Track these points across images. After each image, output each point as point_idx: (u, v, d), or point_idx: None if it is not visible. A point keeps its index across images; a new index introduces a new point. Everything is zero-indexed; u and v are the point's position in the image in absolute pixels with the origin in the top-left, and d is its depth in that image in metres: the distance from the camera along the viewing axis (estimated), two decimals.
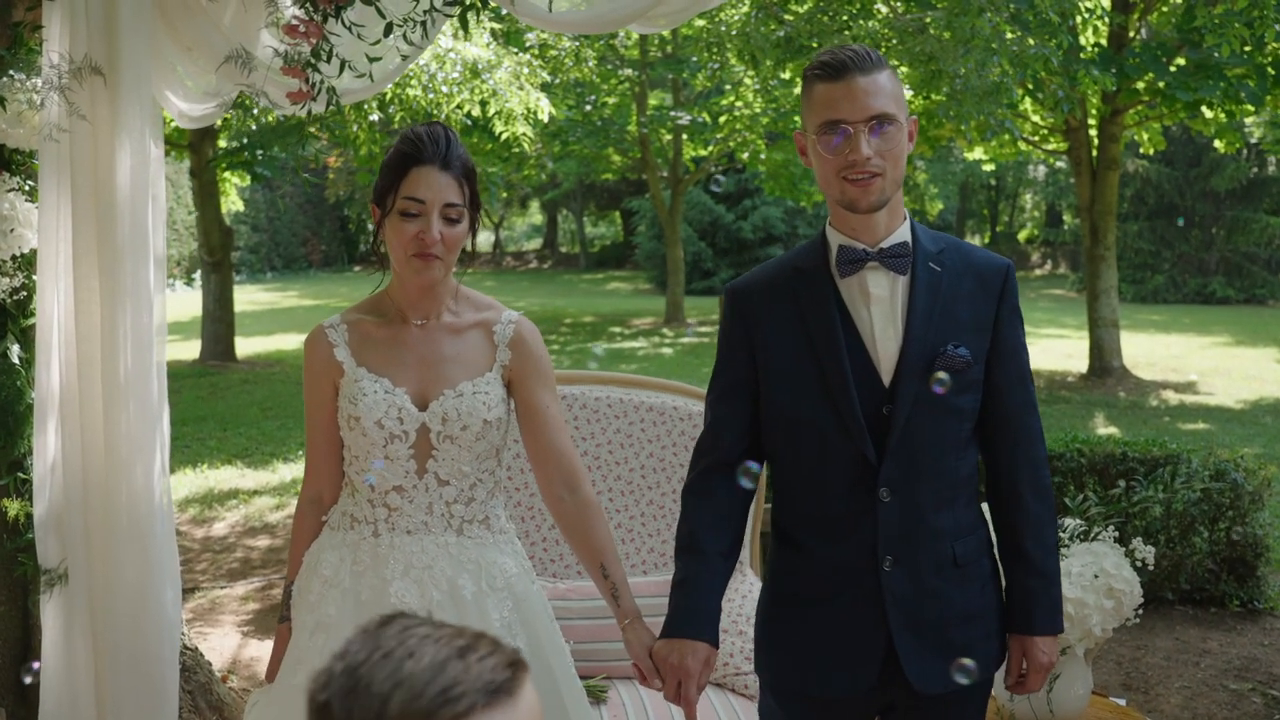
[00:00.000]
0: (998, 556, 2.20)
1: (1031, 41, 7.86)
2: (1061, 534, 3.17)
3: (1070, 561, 3.01)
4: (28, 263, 3.09)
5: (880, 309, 2.07)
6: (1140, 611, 3.08)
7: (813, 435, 2.09)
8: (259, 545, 6.29)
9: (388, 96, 7.78)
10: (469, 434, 2.26)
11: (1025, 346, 2.17)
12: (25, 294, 3.12)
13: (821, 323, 2.08)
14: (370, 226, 2.37)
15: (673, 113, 17.60)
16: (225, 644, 4.75)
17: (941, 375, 2.03)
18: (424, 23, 3.03)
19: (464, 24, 3.18)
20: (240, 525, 6.66)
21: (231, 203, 16.07)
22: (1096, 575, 2.98)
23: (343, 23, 2.93)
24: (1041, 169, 30.79)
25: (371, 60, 3.10)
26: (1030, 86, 9.57)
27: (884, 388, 2.06)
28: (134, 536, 2.97)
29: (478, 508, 2.32)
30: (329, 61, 3.06)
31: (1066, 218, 31.72)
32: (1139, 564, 3.14)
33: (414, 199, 2.20)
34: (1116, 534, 3.23)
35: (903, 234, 2.11)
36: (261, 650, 4.63)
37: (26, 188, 3.10)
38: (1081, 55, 10.41)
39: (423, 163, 2.21)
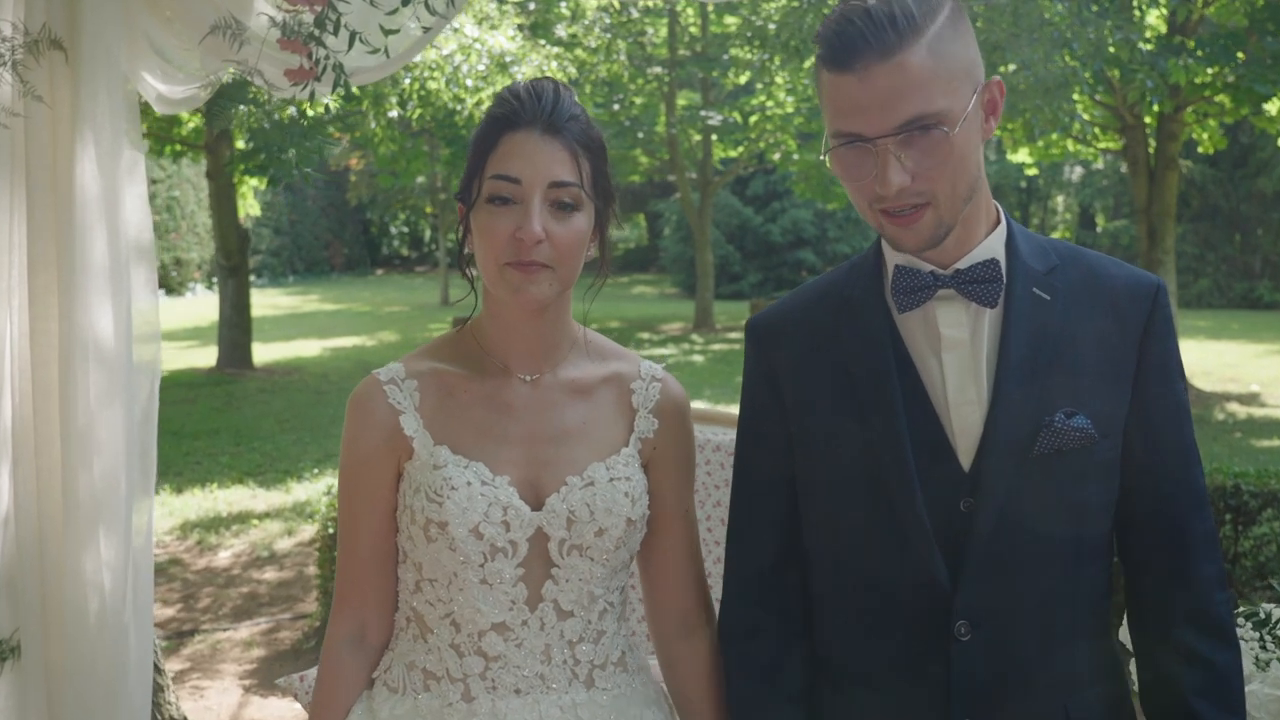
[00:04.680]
0: (1142, 713, 1.55)
1: (1109, 26, 7.25)
2: None
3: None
4: None
5: (957, 357, 1.46)
6: None
7: (858, 542, 1.50)
8: (266, 579, 5.79)
9: (406, 91, 7.29)
10: (606, 541, 1.59)
11: (1186, 408, 1.51)
12: None
13: (872, 377, 1.47)
14: (453, 228, 1.65)
15: (702, 112, 17.14)
16: (225, 701, 4.24)
17: (1050, 455, 1.42)
18: None
19: None
20: (246, 554, 6.17)
21: (249, 207, 15.68)
22: None
23: None
24: (1078, 170, 30.06)
25: (386, 33, 2.58)
26: (1090, 79, 8.95)
27: (962, 474, 1.45)
28: (98, 618, 2.44)
29: (609, 643, 1.65)
30: (336, 34, 2.54)
31: (1100, 220, 31.03)
32: None
33: (506, 177, 1.53)
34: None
35: (990, 247, 1.48)
36: (265, 711, 4.12)
37: None
38: (1141, 45, 9.80)
39: (519, 126, 1.55)
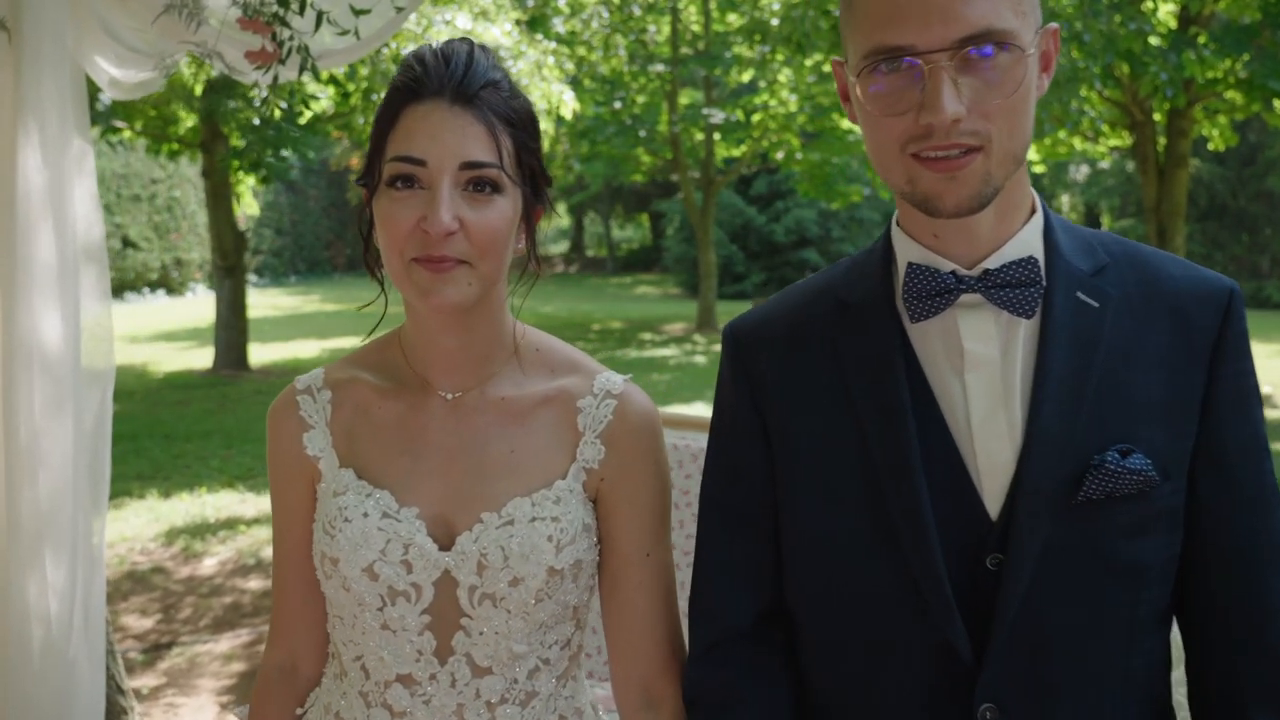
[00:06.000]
0: None
1: (1118, 19, 7.05)
2: None
3: None
4: None
5: (984, 379, 1.20)
6: None
7: (861, 606, 1.23)
8: (250, 588, 5.60)
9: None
10: (523, 592, 1.34)
11: (1265, 443, 1.24)
12: None
13: (878, 401, 1.22)
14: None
15: (704, 111, 16.98)
16: None
17: (1099, 502, 1.16)
18: None
19: None
20: (232, 562, 5.98)
21: (247, 206, 15.51)
22: None
23: None
24: (1084, 169, 29.85)
25: (357, 12, 2.40)
26: (1099, 73, 8.74)
27: (988, 523, 1.19)
28: (43, 650, 2.25)
29: (543, 708, 1.40)
30: (301, 13, 2.36)
31: (1106, 220, 30.83)
32: None
33: (408, 158, 1.29)
34: None
35: (1026, 242, 1.22)
36: None
37: None
38: (1152, 38, 9.60)
39: (423, 96, 1.31)
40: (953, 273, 1.21)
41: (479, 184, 1.30)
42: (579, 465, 1.39)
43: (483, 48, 1.37)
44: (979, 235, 1.21)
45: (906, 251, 1.25)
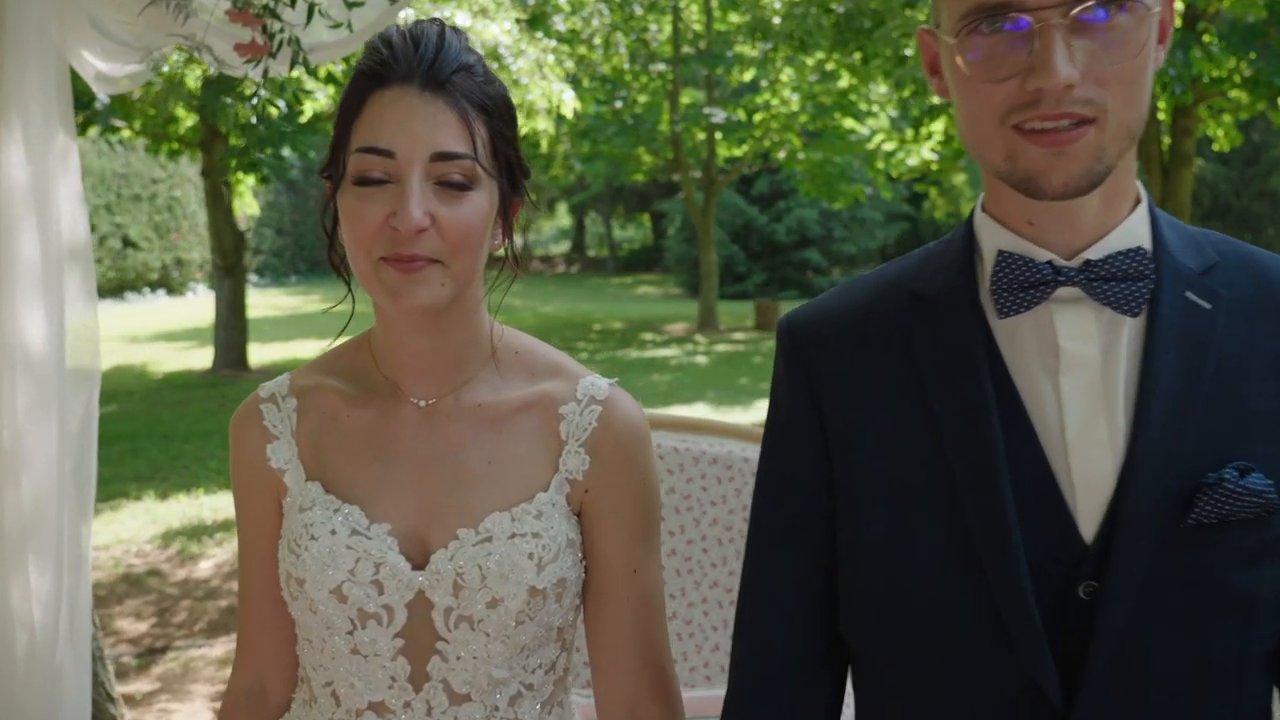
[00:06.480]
0: None
1: None
2: None
3: None
4: None
5: (1082, 382, 1.07)
6: None
7: (931, 637, 1.09)
8: None
9: None
10: (502, 614, 1.25)
11: None
12: None
13: (958, 406, 1.09)
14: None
15: (706, 110, 16.94)
16: None
17: (1211, 526, 1.03)
18: None
19: None
20: (228, 564, 5.93)
21: (247, 206, 15.47)
22: None
23: None
24: None
25: (350, 4, 2.34)
26: None
27: (1083, 547, 1.06)
28: (27, 658, 2.19)
29: None
30: (293, 5, 2.30)
31: None
32: None
33: (375, 149, 1.20)
34: None
35: (1133, 232, 1.09)
36: None
37: None
38: None
39: (390, 81, 1.21)
40: (1049, 263, 1.07)
41: (451, 180, 1.20)
42: (562, 476, 1.30)
43: (455, 29, 1.27)
44: (1082, 222, 1.07)
45: (995, 239, 1.11)
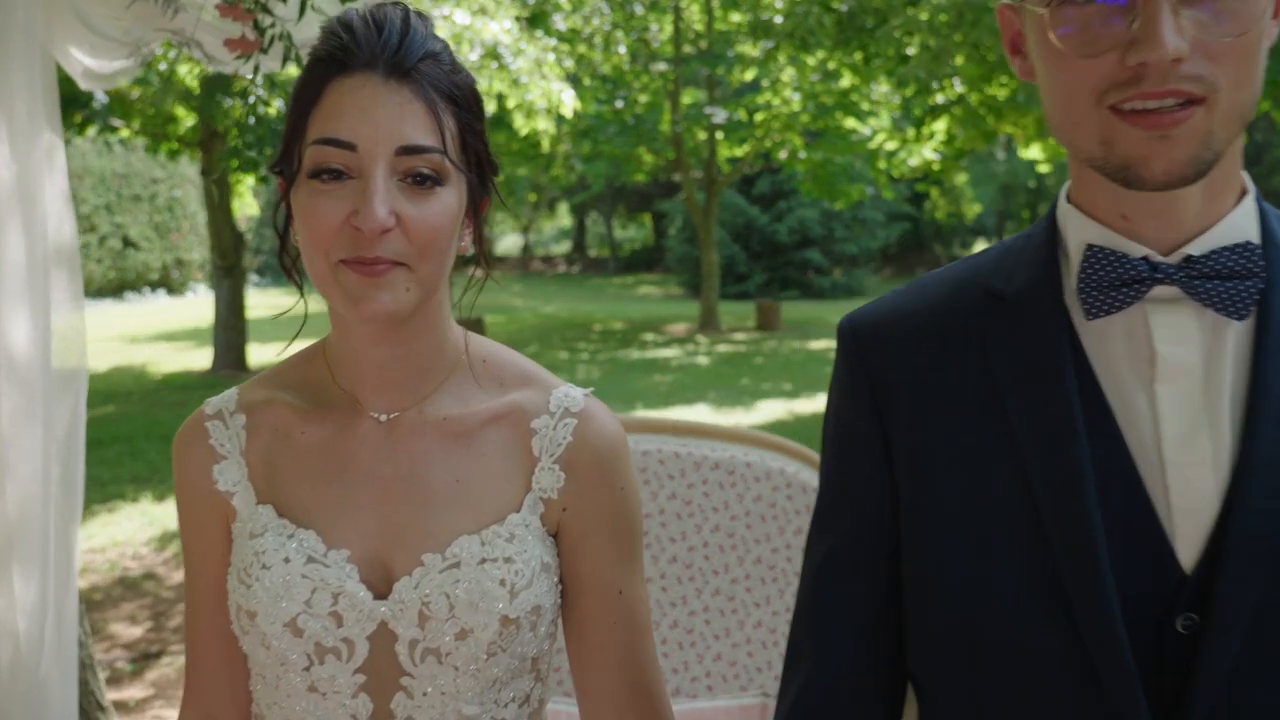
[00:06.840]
0: None
1: None
2: None
3: None
4: None
5: (1182, 393, 0.96)
6: None
7: (1007, 669, 0.99)
8: None
9: None
10: (473, 646, 1.16)
11: None
12: None
13: (1040, 416, 0.99)
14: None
15: (707, 110, 16.90)
16: None
17: None
18: None
19: None
20: None
21: (247, 206, 15.44)
22: None
23: None
24: None
25: (344, 0, 2.29)
26: None
27: (1181, 575, 0.95)
28: (12, 668, 2.14)
29: None
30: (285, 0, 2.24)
31: None
32: None
33: (335, 141, 1.10)
34: None
35: (1239, 227, 0.98)
36: None
37: None
38: None
39: (352, 69, 1.11)
40: (1145, 259, 0.96)
41: (418, 175, 1.10)
42: (535, 495, 1.20)
43: (419, 13, 1.17)
44: (1183, 215, 0.96)
45: (1083, 232, 1.00)
